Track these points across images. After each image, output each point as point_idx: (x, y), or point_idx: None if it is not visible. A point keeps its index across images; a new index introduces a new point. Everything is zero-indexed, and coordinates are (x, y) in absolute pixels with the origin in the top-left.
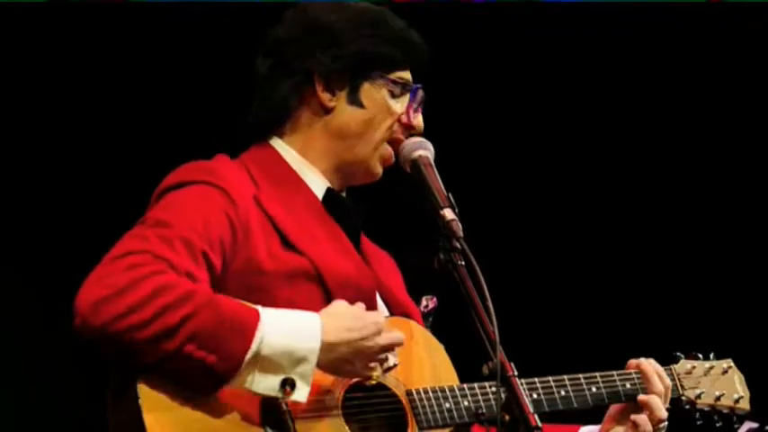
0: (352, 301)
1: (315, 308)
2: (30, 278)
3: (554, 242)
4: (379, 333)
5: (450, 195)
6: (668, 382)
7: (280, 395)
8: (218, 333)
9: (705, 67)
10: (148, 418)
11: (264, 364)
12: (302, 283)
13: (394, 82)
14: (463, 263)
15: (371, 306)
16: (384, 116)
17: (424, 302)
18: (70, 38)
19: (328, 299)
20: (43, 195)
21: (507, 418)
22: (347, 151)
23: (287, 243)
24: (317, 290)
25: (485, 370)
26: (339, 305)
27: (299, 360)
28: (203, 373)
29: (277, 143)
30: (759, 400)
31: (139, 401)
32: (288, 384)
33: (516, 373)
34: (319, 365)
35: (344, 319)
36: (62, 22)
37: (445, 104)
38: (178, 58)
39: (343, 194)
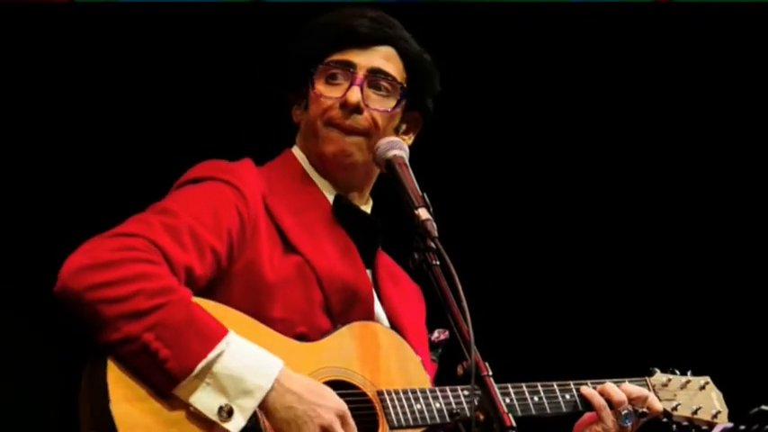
0: (346, 306)
1: (312, 309)
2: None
3: (530, 242)
4: (341, 414)
5: (425, 195)
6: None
7: (215, 419)
8: (182, 331)
9: (653, 67)
10: (116, 409)
11: (211, 381)
12: (301, 284)
13: (325, 66)
14: (438, 263)
15: (368, 314)
16: (317, 107)
17: (435, 334)
18: (70, 38)
19: (324, 301)
20: (39, 196)
21: (482, 417)
22: (314, 154)
23: (288, 245)
24: (315, 292)
25: (459, 370)
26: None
27: (245, 391)
28: (156, 368)
29: (296, 150)
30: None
31: (108, 388)
32: (225, 411)
33: (491, 373)
34: (264, 407)
35: (308, 381)
36: (61, 23)
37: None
38: (174, 59)
39: (355, 203)
